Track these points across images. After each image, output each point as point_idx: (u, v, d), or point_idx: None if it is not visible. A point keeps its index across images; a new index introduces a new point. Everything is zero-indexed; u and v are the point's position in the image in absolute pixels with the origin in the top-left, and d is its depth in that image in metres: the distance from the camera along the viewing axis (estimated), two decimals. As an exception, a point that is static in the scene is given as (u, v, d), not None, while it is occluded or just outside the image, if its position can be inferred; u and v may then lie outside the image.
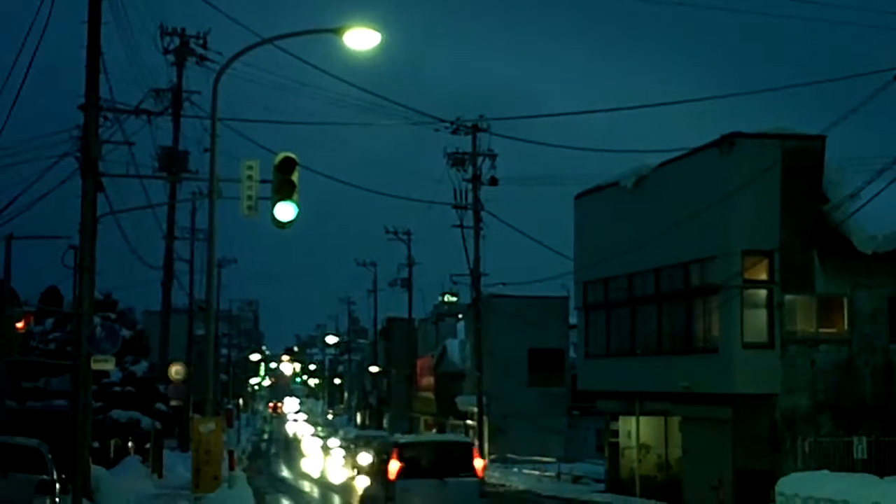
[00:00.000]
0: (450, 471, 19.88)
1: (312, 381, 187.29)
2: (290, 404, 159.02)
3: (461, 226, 45.45)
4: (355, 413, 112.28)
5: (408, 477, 19.92)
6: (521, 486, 37.89)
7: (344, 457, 53.28)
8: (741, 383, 25.91)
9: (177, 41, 39.29)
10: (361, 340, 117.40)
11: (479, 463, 20.46)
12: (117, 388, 35.99)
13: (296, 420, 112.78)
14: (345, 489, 37.91)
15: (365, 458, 38.45)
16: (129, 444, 36.75)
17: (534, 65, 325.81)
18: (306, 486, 42.89)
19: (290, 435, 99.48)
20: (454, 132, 43.66)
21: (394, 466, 20.07)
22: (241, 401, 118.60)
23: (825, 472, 23.33)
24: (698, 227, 26.66)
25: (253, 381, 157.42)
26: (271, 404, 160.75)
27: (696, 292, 27.78)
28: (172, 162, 36.89)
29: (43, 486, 20.35)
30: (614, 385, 31.90)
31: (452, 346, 63.81)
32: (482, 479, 20.44)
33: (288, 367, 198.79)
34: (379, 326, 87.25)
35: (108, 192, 23.58)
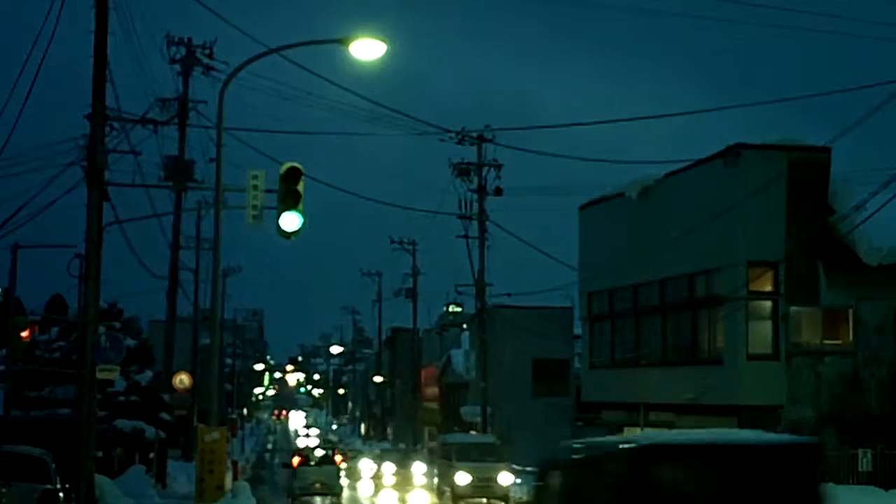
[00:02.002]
0: None
1: (317, 392, 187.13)
2: (296, 418, 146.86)
3: (466, 236, 45.43)
4: (359, 424, 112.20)
5: None
6: (525, 498, 37.82)
7: (395, 473, 47.56)
8: (746, 395, 25.85)
9: (183, 51, 39.36)
10: (366, 350, 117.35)
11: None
12: (122, 398, 35.99)
13: (307, 436, 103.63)
14: None
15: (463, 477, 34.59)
16: (134, 453, 36.74)
17: (537, 74, 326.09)
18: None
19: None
20: (459, 142, 43.69)
21: None
22: (245, 411, 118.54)
23: (830, 484, 23.25)
24: (703, 238, 26.64)
25: (257, 390, 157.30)
26: (276, 412, 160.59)
27: (701, 303, 27.75)
28: (178, 171, 36.89)
29: (47, 496, 20.38)
30: (619, 396, 31.85)
31: (457, 356, 63.77)
32: None
33: (292, 377, 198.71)
34: (384, 336, 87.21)
35: (113, 201, 23.69)
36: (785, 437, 14.35)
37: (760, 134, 27.18)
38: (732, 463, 10.23)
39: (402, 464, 48.54)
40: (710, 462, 10.27)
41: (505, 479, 35.10)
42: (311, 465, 37.78)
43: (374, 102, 34.86)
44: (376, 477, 50.20)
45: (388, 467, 48.88)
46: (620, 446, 11.15)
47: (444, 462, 37.65)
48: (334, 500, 37.21)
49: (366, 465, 53.90)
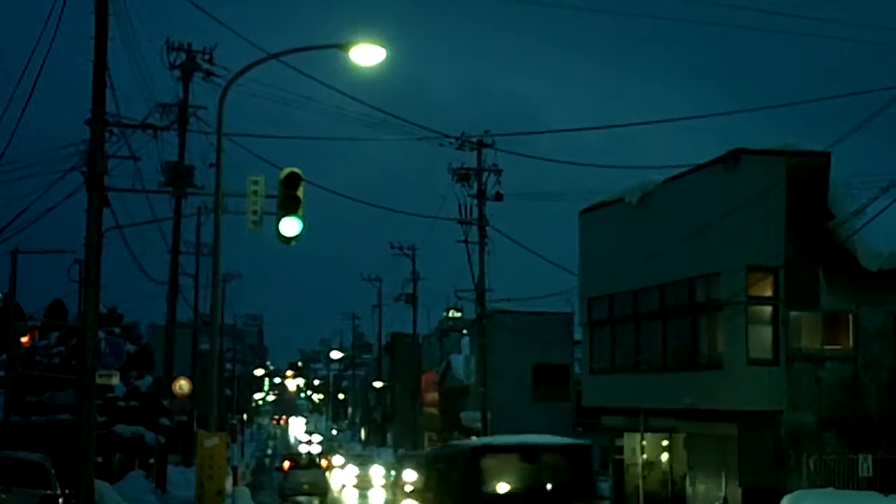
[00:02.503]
0: None
1: (317, 397, 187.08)
2: (296, 424, 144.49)
3: (466, 241, 45.42)
4: (359, 429, 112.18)
5: None
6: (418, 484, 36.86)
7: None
8: (746, 400, 25.84)
9: (183, 56, 39.37)
10: (366, 356, 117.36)
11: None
12: (122, 403, 36.02)
13: (309, 442, 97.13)
14: None
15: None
16: (134, 458, 36.75)
17: (535, 77, 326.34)
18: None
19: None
20: (459, 147, 43.68)
21: None
22: (245, 416, 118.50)
23: (830, 489, 23.30)
24: (703, 243, 26.64)
25: (257, 396, 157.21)
26: (276, 417, 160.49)
27: (701, 308, 27.73)
28: (178, 177, 36.90)
29: (47, 501, 20.39)
30: (619, 401, 31.82)
31: (457, 361, 63.77)
32: None
33: (292, 382, 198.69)
34: (384, 342, 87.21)
35: (113, 206, 23.69)
36: (567, 440, 19.97)
37: (761, 139, 27.20)
38: (532, 456, 17.17)
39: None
40: (518, 456, 17.11)
41: None
42: (300, 469, 43.00)
43: (373, 108, 34.86)
44: (396, 486, 43.73)
45: (410, 475, 40.96)
46: (465, 446, 19.04)
47: None
48: (321, 499, 40.97)
49: (378, 473, 49.73)
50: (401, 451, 66.87)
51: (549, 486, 15.66)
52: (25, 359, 32.79)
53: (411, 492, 33.70)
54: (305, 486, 40.58)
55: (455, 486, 16.54)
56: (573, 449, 17.12)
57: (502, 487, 15.76)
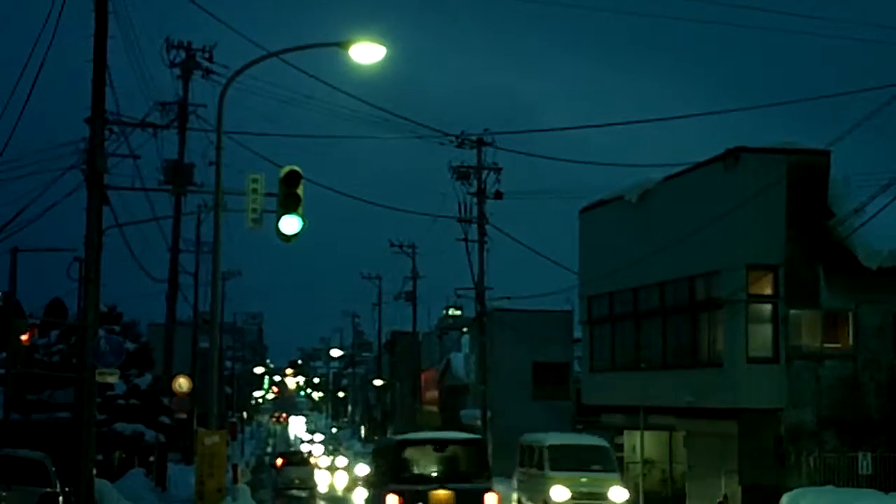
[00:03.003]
0: None
1: (316, 395, 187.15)
2: (296, 423, 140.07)
3: (466, 239, 45.39)
4: (359, 427, 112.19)
5: None
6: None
7: None
8: (746, 398, 25.87)
9: (183, 55, 39.34)
10: (366, 354, 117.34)
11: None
12: (121, 401, 35.98)
13: (311, 442, 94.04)
14: None
15: None
16: (134, 456, 36.74)
17: (535, 76, 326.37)
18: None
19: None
20: (459, 146, 43.66)
21: None
22: (245, 414, 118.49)
23: (830, 487, 23.31)
24: (703, 241, 26.65)
25: (257, 394, 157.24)
26: (275, 415, 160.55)
27: (701, 306, 27.75)
28: (178, 175, 36.88)
29: (47, 499, 20.39)
30: (619, 399, 31.85)
31: (457, 359, 63.75)
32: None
33: (292, 380, 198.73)
34: (383, 340, 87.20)
35: (113, 204, 23.63)
36: (468, 435, 24.60)
37: (760, 137, 27.23)
38: (441, 447, 21.58)
39: None
40: (432, 447, 21.66)
41: (618, 494, 27.00)
42: (291, 466, 47.41)
43: (373, 106, 34.69)
44: (351, 477, 44.06)
45: (363, 468, 40.97)
46: (393, 440, 25.06)
47: (531, 472, 29.30)
48: (309, 492, 44.85)
49: (363, 470, 50.11)
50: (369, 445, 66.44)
51: (453, 469, 21.09)
52: (25, 357, 32.78)
53: (363, 480, 35.78)
54: (296, 481, 45.43)
55: (387, 469, 21.65)
56: (472, 441, 22.60)
57: (419, 469, 21.19)
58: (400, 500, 20.21)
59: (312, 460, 52.81)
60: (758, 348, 25.93)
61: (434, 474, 20.88)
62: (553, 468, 27.46)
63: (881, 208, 23.60)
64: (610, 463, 28.11)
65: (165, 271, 41.49)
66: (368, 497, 24.36)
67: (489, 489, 20.54)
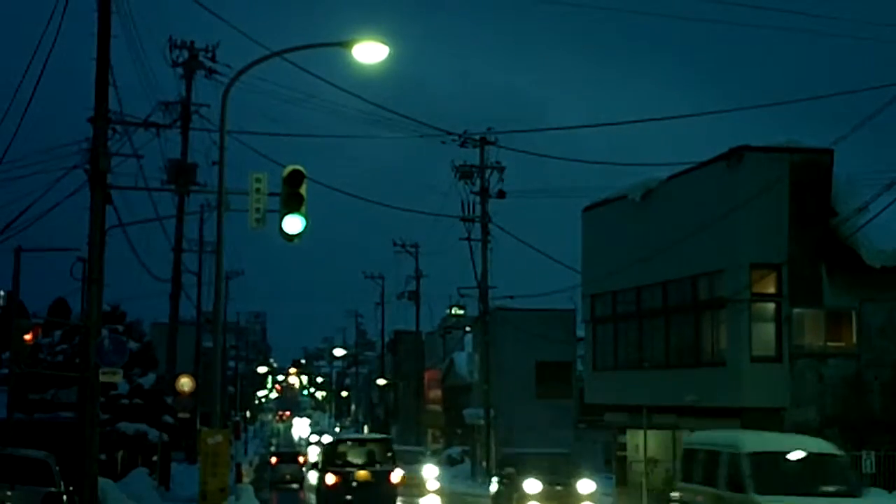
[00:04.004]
0: None
1: (320, 394, 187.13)
2: (300, 425, 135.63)
3: (469, 238, 45.45)
4: (362, 426, 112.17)
5: None
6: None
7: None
8: (749, 397, 25.84)
9: (186, 54, 39.39)
10: (369, 353, 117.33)
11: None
12: (125, 401, 35.99)
13: (318, 443, 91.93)
14: None
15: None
16: (137, 456, 36.73)
17: (535, 74, 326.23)
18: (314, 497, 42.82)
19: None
20: (462, 145, 43.70)
21: None
22: (248, 413, 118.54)
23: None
24: (706, 240, 26.63)
25: (260, 393, 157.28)
26: (279, 413, 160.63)
27: (704, 305, 27.74)
28: (181, 174, 36.91)
29: (50, 498, 20.42)
30: (622, 398, 31.84)
31: (460, 358, 63.75)
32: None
33: (295, 379, 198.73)
34: (386, 339, 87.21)
35: (116, 204, 23.65)
36: (380, 436, 36.52)
37: (764, 136, 27.21)
38: (362, 444, 31.56)
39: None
40: (357, 444, 31.76)
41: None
42: (283, 463, 54.00)
43: (377, 105, 34.84)
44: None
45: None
46: (331, 438, 41.53)
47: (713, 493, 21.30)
48: (298, 484, 50.01)
49: (432, 474, 41.92)
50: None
51: (370, 458, 29.77)
52: (29, 357, 32.77)
53: (314, 466, 41.24)
54: (287, 476, 51.26)
55: (327, 459, 30.55)
56: (383, 440, 32.88)
57: (348, 458, 29.81)
58: (336, 478, 29.11)
59: (301, 458, 57.85)
60: (761, 347, 25.90)
61: (357, 461, 29.74)
62: (761, 489, 16.89)
63: (884, 207, 23.57)
64: (851, 482, 18.32)
65: (168, 271, 41.56)
66: (318, 477, 32.27)
67: (393, 469, 29.54)
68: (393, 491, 29.33)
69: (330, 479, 29.09)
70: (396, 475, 29.41)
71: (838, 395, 26.01)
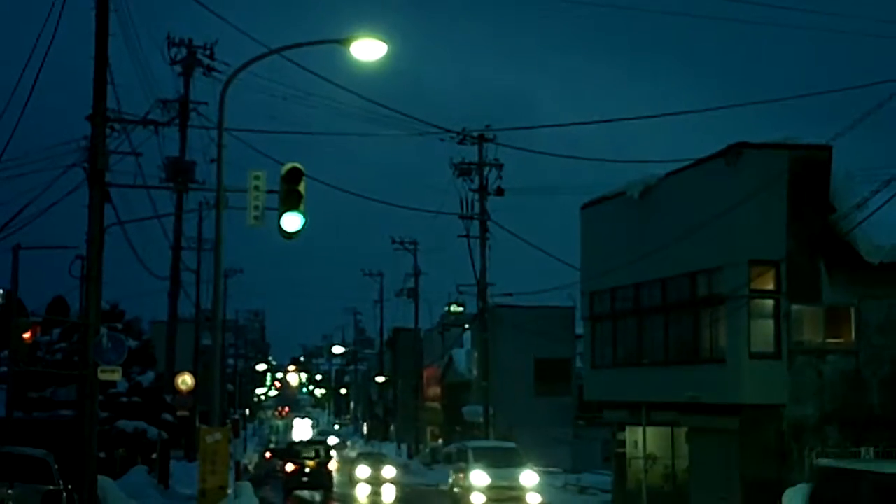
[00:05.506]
0: None
1: (318, 392, 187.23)
2: (301, 426, 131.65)
3: (468, 236, 45.43)
4: (361, 424, 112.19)
5: None
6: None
7: None
8: (748, 394, 25.85)
9: (184, 52, 39.38)
10: (368, 351, 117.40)
11: None
12: (124, 399, 36.01)
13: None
14: None
15: None
16: (136, 454, 36.75)
17: (535, 73, 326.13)
18: (316, 495, 42.85)
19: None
20: (461, 142, 43.70)
21: None
22: (247, 411, 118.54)
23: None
24: (705, 237, 26.63)
25: (259, 391, 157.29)
26: (279, 409, 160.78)
27: (703, 302, 27.74)
28: (179, 172, 36.88)
29: (50, 497, 20.37)
30: (621, 395, 31.85)
31: (459, 356, 63.80)
32: None
33: (294, 377, 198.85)
34: (385, 337, 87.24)
35: (115, 202, 23.66)
36: (322, 438, 68.47)
37: (762, 133, 27.22)
38: (311, 443, 51.72)
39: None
40: (309, 444, 50.27)
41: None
42: (276, 458, 58.09)
43: (375, 103, 34.86)
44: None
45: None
46: (289, 441, 71.89)
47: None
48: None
49: (480, 479, 33.71)
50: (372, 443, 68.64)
51: (316, 452, 44.17)
52: (27, 355, 32.80)
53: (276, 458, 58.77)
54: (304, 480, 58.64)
55: (286, 453, 46.04)
56: (323, 442, 46.82)
57: (301, 453, 44.45)
58: (295, 466, 43.19)
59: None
60: (760, 344, 25.90)
61: (308, 455, 44.10)
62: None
63: (883, 203, 23.57)
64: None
65: (167, 269, 41.58)
66: (280, 465, 45.96)
67: (330, 461, 45.18)
68: (329, 474, 44.32)
69: (290, 466, 43.58)
70: (332, 465, 46.60)
71: (837, 391, 26.01)
